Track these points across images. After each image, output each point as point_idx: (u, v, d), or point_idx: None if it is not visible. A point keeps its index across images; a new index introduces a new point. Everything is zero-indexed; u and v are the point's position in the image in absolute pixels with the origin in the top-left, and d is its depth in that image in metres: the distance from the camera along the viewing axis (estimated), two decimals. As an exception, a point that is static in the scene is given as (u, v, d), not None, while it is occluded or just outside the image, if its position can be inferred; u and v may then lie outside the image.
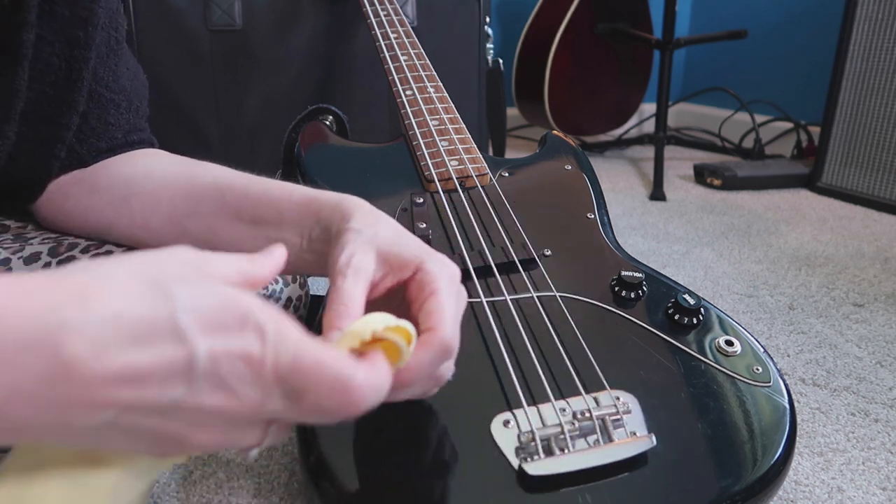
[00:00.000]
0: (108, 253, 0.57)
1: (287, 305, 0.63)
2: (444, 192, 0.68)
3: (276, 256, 0.38)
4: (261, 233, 0.50)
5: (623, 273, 0.57)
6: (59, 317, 0.26)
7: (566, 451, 0.42)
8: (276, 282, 0.61)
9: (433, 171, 0.69)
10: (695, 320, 0.54)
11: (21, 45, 0.50)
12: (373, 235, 0.43)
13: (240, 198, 0.51)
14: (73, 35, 0.52)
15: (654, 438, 0.43)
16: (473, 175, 0.69)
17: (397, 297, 0.43)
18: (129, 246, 0.57)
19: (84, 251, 0.57)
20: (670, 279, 0.59)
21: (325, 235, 0.47)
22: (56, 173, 0.56)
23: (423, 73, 0.82)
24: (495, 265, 0.58)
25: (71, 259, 0.56)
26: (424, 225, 0.62)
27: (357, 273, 0.40)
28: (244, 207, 0.51)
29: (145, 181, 0.55)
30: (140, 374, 0.27)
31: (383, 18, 0.92)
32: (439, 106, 0.78)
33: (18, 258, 0.55)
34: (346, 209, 0.46)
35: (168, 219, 0.54)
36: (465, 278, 0.57)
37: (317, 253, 0.48)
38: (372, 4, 0.95)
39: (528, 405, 0.45)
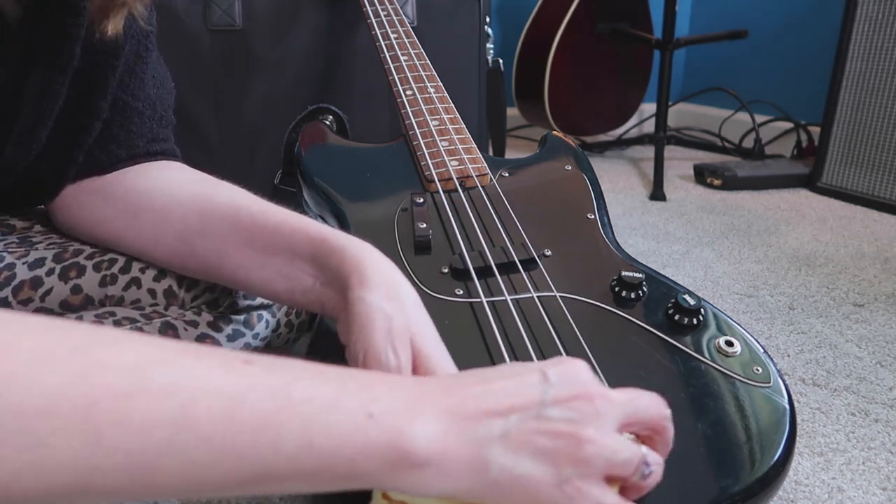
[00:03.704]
0: (112, 261, 0.57)
1: (290, 311, 0.63)
2: (444, 192, 0.68)
3: None
4: (271, 263, 0.50)
5: (623, 273, 0.57)
6: None
7: (566, 451, 0.42)
8: None
9: (433, 171, 0.69)
10: (695, 321, 0.54)
11: (72, 58, 0.50)
12: (404, 323, 0.41)
13: (256, 224, 0.50)
14: (104, 42, 0.52)
15: (654, 439, 0.43)
16: (473, 175, 0.69)
17: None
18: (135, 257, 0.57)
19: (88, 258, 0.56)
20: (670, 279, 0.59)
21: (335, 285, 0.46)
22: (72, 178, 0.56)
23: (423, 73, 0.82)
24: (495, 265, 0.58)
25: (75, 265, 0.56)
26: (424, 225, 0.62)
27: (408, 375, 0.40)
28: (258, 235, 0.50)
29: (160, 195, 0.55)
30: None
31: (383, 18, 0.92)
32: (439, 106, 0.78)
33: (23, 263, 0.55)
34: (361, 267, 0.44)
35: (178, 236, 0.53)
36: (466, 278, 0.57)
37: (323, 295, 0.47)
38: (372, 4, 0.95)
39: (529, 405, 0.45)
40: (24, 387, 0.25)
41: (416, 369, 0.41)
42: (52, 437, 0.25)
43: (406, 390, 0.32)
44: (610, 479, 0.34)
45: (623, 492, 0.35)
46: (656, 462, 0.35)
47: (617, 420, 0.34)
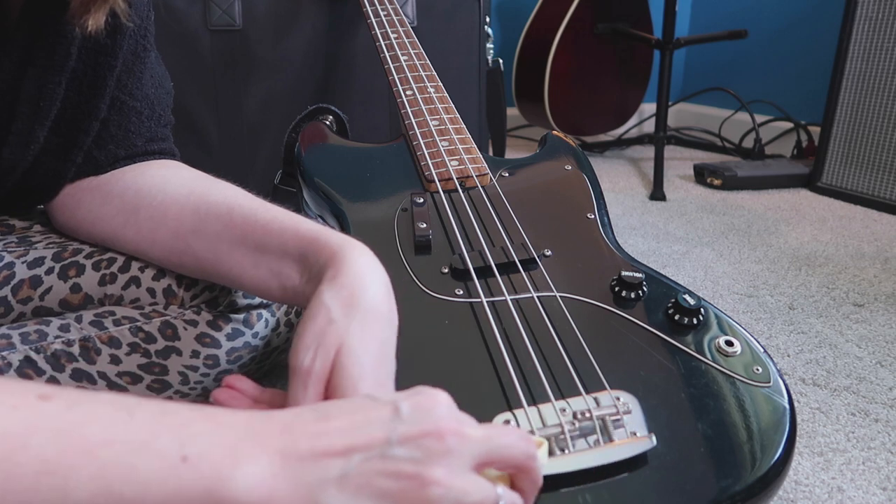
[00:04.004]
0: (112, 260, 0.56)
1: (289, 310, 0.63)
2: (444, 192, 0.68)
3: None
4: (263, 261, 0.49)
5: (623, 273, 0.57)
6: None
7: (566, 451, 0.42)
8: None
9: (433, 171, 0.69)
10: (695, 320, 0.54)
11: (68, 58, 0.50)
12: (340, 331, 0.40)
13: (248, 223, 0.50)
14: (101, 42, 0.52)
15: (654, 439, 0.43)
16: (473, 175, 0.69)
17: None
18: (134, 256, 0.57)
19: (88, 257, 0.56)
20: (670, 279, 0.59)
21: (317, 279, 0.45)
22: (71, 178, 0.56)
23: (423, 73, 0.82)
24: (495, 265, 0.58)
25: (74, 264, 0.56)
26: (424, 225, 0.62)
27: (317, 384, 0.38)
28: (250, 233, 0.50)
29: (157, 193, 0.55)
30: None
31: (383, 18, 0.92)
32: (439, 106, 0.78)
33: (22, 262, 0.55)
34: (338, 266, 0.43)
35: (173, 234, 0.53)
36: (466, 278, 0.57)
37: (308, 292, 0.46)
38: (372, 4, 0.95)
39: (529, 405, 0.45)
40: None
41: (330, 382, 0.39)
42: None
43: (234, 429, 0.30)
44: None
45: None
46: (513, 502, 0.34)
47: (472, 458, 0.32)
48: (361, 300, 0.41)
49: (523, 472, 0.35)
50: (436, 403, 0.33)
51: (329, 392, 0.39)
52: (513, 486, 0.36)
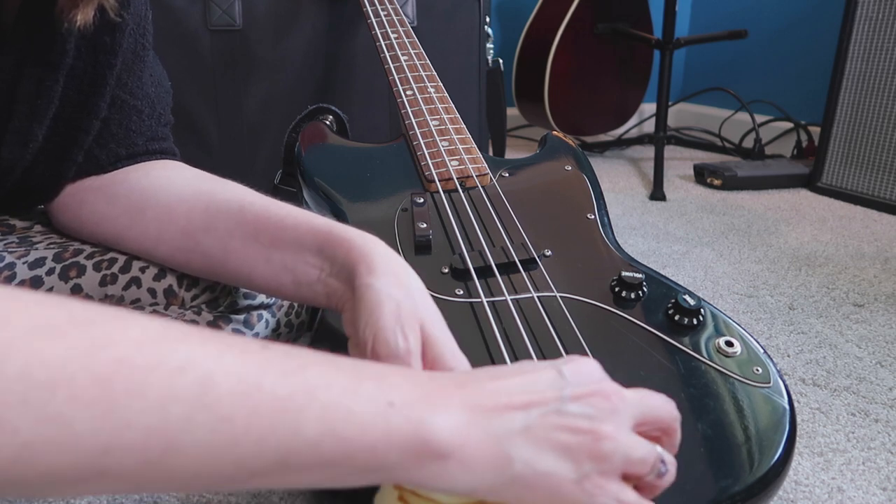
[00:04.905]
0: (112, 260, 0.56)
1: (290, 311, 0.63)
2: (444, 192, 0.68)
3: None
4: (276, 256, 0.49)
5: (623, 274, 0.57)
6: None
7: (566, 451, 0.42)
8: None
9: (433, 171, 0.69)
10: (695, 321, 0.54)
11: (64, 55, 0.50)
12: (413, 308, 0.41)
13: (260, 218, 0.50)
14: (101, 41, 0.52)
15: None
16: (474, 175, 0.69)
17: None
18: (138, 256, 0.57)
19: (89, 257, 0.56)
20: (670, 280, 0.59)
21: (342, 275, 0.46)
22: (72, 177, 0.56)
23: (423, 73, 0.82)
24: (496, 265, 0.58)
25: (75, 265, 0.56)
26: (425, 225, 0.62)
27: (418, 361, 0.40)
28: (263, 229, 0.50)
29: (163, 193, 0.55)
30: None
31: (383, 18, 0.92)
32: (439, 106, 0.78)
33: (23, 263, 0.55)
34: (369, 257, 0.44)
35: (182, 232, 0.53)
36: (466, 278, 0.57)
37: (329, 287, 0.47)
38: (372, 4, 0.95)
39: (529, 405, 0.45)
40: (26, 357, 0.23)
41: (426, 355, 0.41)
42: (65, 409, 0.23)
43: (422, 382, 0.32)
44: (624, 478, 0.33)
45: (638, 491, 0.34)
46: (671, 462, 0.35)
47: (632, 417, 0.34)
48: (408, 281, 0.43)
49: (667, 434, 0.37)
50: (593, 368, 0.35)
51: (426, 365, 0.40)
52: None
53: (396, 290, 0.42)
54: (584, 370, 0.35)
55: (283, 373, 0.28)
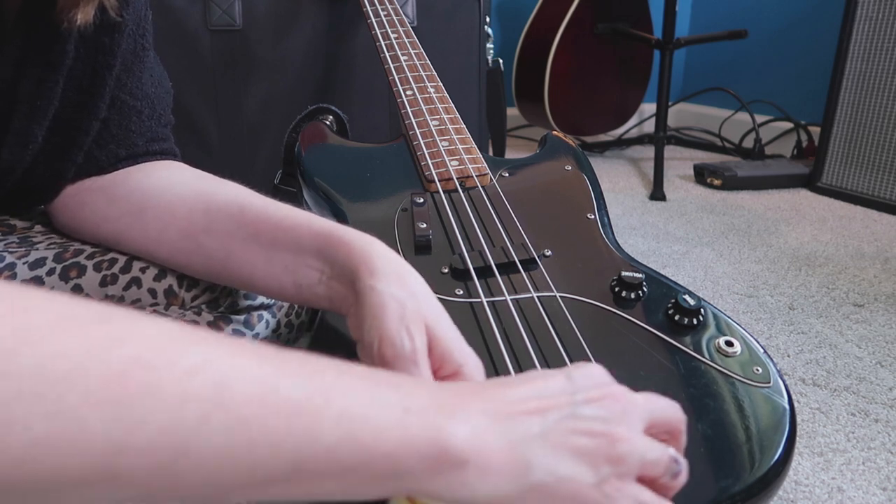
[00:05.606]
0: (113, 261, 0.56)
1: (290, 311, 0.63)
2: (444, 192, 0.68)
3: None
4: (277, 258, 0.49)
5: (623, 274, 0.57)
6: None
7: (566, 451, 0.42)
8: None
9: (433, 171, 0.69)
10: (695, 321, 0.54)
11: (64, 56, 0.50)
12: (417, 308, 0.41)
13: (260, 219, 0.50)
14: (100, 41, 0.52)
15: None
16: (474, 175, 0.69)
17: None
18: (138, 257, 0.57)
19: (89, 258, 0.56)
20: (670, 279, 0.59)
21: (343, 278, 0.46)
22: (72, 178, 0.56)
23: (423, 73, 0.82)
24: (495, 265, 0.58)
25: (75, 265, 0.56)
26: (425, 225, 0.62)
27: (425, 360, 0.40)
28: (263, 230, 0.50)
29: (164, 193, 0.55)
30: None
31: (383, 18, 0.92)
32: (439, 106, 0.78)
33: (24, 263, 0.55)
34: (369, 258, 0.44)
35: (183, 233, 0.53)
36: (466, 278, 0.57)
37: (331, 290, 0.47)
38: (372, 4, 0.95)
39: (529, 405, 0.45)
40: (41, 349, 0.23)
41: (433, 354, 0.41)
42: (79, 405, 0.23)
43: (437, 390, 0.32)
44: (639, 481, 0.33)
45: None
46: (683, 462, 0.35)
47: (642, 420, 0.34)
48: (409, 281, 0.43)
49: (675, 436, 0.37)
50: (600, 372, 0.35)
51: (435, 363, 0.40)
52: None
53: (399, 290, 0.42)
54: (592, 375, 0.35)
55: (300, 376, 0.28)
